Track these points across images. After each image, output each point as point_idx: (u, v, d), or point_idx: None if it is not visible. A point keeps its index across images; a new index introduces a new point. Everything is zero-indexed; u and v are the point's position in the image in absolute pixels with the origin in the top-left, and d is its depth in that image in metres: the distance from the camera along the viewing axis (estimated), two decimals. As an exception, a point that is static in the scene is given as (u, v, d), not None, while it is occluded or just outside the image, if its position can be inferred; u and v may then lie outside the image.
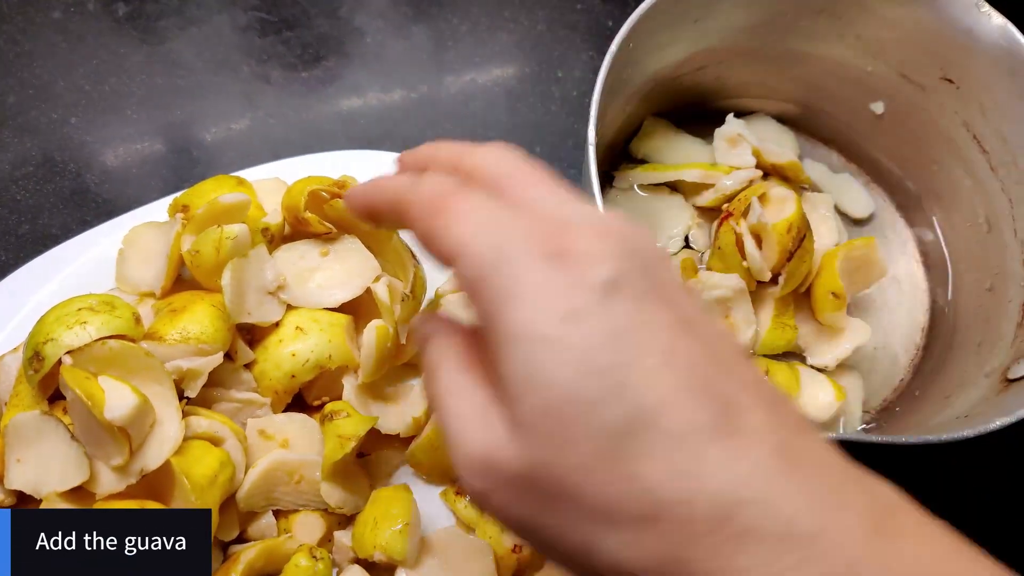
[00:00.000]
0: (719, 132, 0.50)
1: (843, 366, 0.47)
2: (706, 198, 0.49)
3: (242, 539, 0.40)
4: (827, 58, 0.49)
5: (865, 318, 0.49)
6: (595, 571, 0.20)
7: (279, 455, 0.40)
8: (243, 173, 0.47)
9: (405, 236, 0.44)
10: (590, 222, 0.21)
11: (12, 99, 0.52)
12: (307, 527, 0.41)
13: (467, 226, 0.20)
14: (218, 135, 0.52)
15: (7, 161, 0.50)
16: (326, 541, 0.41)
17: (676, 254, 0.48)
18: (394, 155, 0.48)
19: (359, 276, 0.43)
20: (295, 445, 0.41)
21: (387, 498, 0.40)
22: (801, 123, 0.54)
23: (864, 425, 0.46)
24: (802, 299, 0.48)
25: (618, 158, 0.52)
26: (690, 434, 0.18)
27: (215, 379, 0.41)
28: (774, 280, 0.46)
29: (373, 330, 0.40)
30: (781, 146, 0.52)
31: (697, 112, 0.53)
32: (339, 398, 0.43)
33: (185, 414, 0.38)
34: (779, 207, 0.46)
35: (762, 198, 0.45)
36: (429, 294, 0.44)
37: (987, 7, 0.43)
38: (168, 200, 0.46)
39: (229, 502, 0.39)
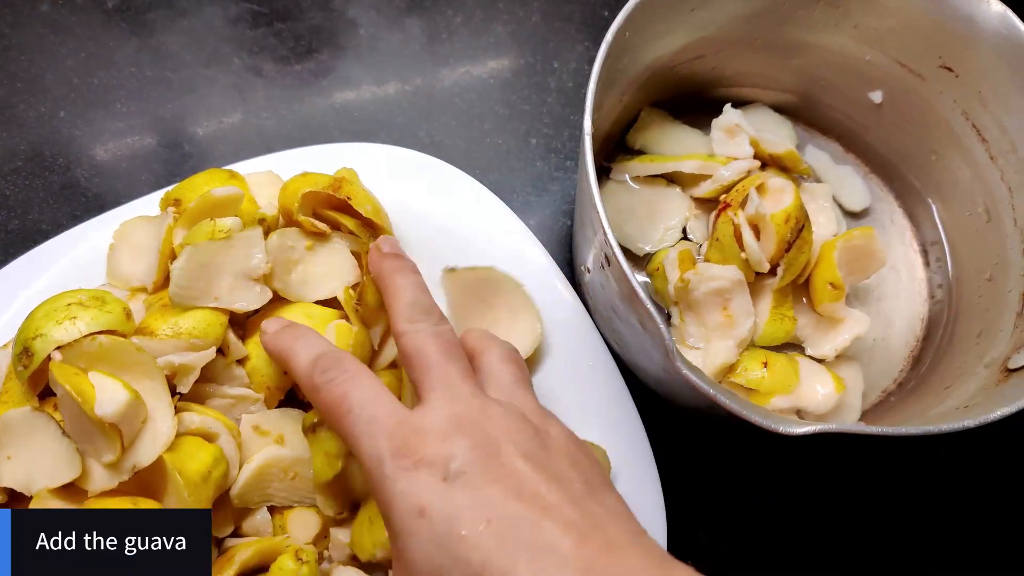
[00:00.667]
0: (716, 122, 0.50)
1: (842, 357, 0.46)
2: (704, 189, 0.48)
3: (236, 535, 0.39)
4: (825, 47, 0.49)
5: (864, 308, 0.49)
6: None
7: (274, 451, 0.39)
8: (236, 166, 0.46)
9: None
10: (439, 426, 0.30)
11: (0, 93, 0.51)
12: (302, 524, 0.40)
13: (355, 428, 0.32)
14: (209, 128, 0.52)
15: (-5, 155, 0.49)
16: (322, 538, 0.40)
17: (674, 246, 0.48)
18: (389, 147, 0.48)
19: (337, 278, 0.42)
20: (290, 441, 0.40)
21: None
22: (799, 112, 0.54)
23: (862, 416, 0.46)
24: (800, 290, 0.47)
25: (615, 149, 0.52)
26: None
27: (207, 375, 0.40)
28: (772, 271, 0.45)
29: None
30: (779, 136, 0.51)
31: (694, 102, 0.52)
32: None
33: (177, 410, 0.38)
34: (777, 197, 0.46)
35: (760, 188, 0.45)
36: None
37: (987, -5, 0.43)
38: (159, 194, 0.45)
39: (223, 498, 0.39)
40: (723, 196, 0.47)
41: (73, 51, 0.52)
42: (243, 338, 0.42)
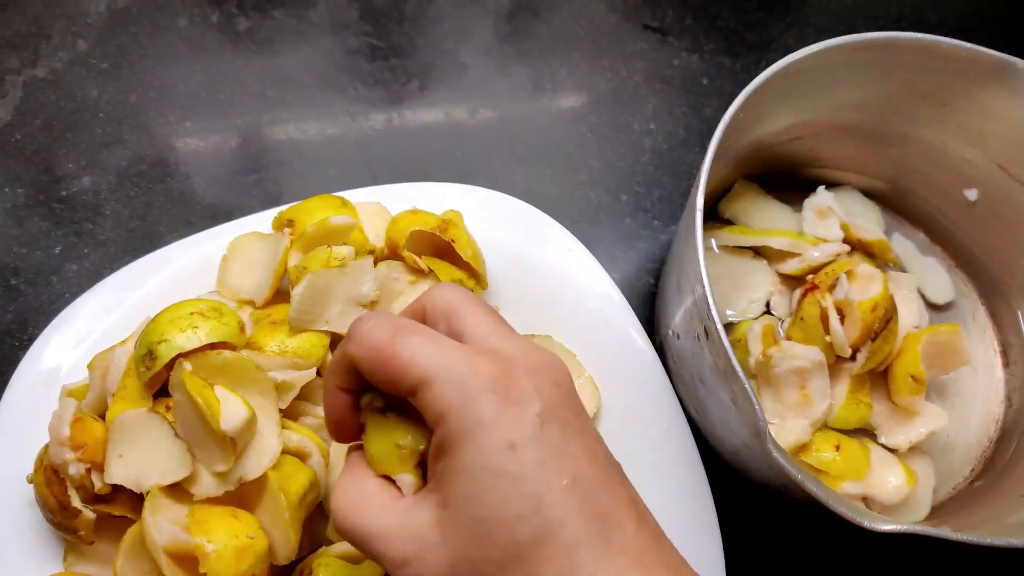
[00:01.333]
0: (809, 203, 0.51)
1: (914, 449, 0.47)
2: (791, 266, 0.49)
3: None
4: (926, 141, 0.50)
5: (938, 402, 0.50)
6: None
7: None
8: (344, 194, 0.49)
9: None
10: (524, 358, 0.27)
11: (134, 98, 0.54)
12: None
13: (428, 360, 0.26)
14: (320, 152, 0.54)
15: (124, 157, 0.52)
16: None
17: (757, 318, 0.49)
18: (490, 191, 0.50)
19: None
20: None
21: None
22: (888, 199, 0.55)
23: (930, 511, 0.46)
24: (879, 377, 0.48)
25: (704, 216, 0.53)
26: (576, 546, 0.25)
27: (303, 393, 0.42)
28: (853, 356, 0.46)
29: None
30: (867, 221, 0.52)
31: (786, 178, 0.54)
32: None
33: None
34: (865, 285, 0.47)
35: (849, 274, 0.46)
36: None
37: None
38: (272, 212, 0.48)
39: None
40: (810, 276, 0.48)
41: (204, 66, 0.56)
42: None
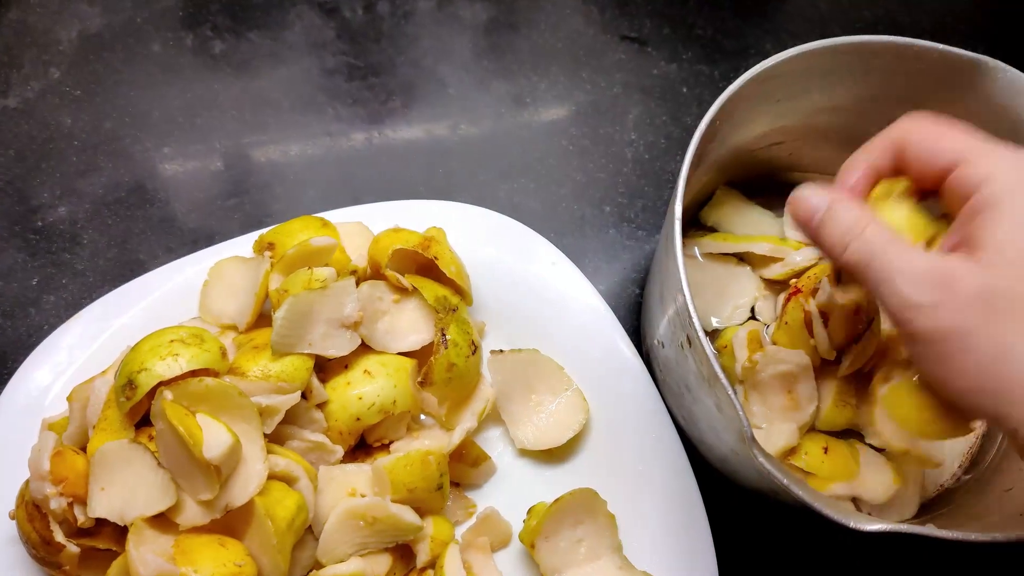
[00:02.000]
0: (790, 207, 0.51)
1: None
2: (774, 271, 0.49)
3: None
4: (902, 143, 0.50)
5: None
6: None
7: (351, 502, 0.40)
8: (326, 215, 0.49)
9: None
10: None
11: (108, 125, 0.54)
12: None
13: (967, 142, 0.32)
14: (300, 174, 0.54)
15: (100, 185, 0.52)
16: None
17: (742, 324, 0.49)
18: (473, 207, 0.50)
19: (421, 332, 0.44)
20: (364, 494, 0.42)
21: None
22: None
23: (919, 509, 0.46)
24: (865, 377, 0.48)
25: (688, 224, 0.53)
26: None
27: (288, 417, 0.42)
28: (838, 358, 0.46)
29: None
30: (850, 224, 0.52)
31: (768, 183, 0.54)
32: (399, 440, 0.44)
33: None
34: (847, 287, 0.47)
35: (830, 277, 0.46)
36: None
37: (1068, 108, 0.44)
38: (252, 236, 0.47)
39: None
40: (794, 280, 0.48)
41: (180, 91, 0.55)
42: (324, 381, 0.43)
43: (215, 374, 0.39)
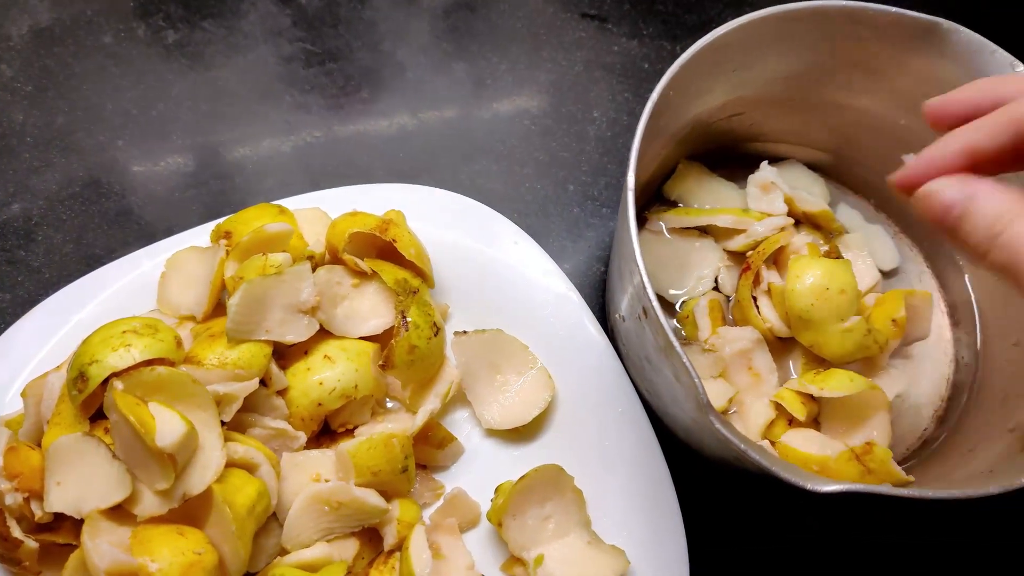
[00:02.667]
0: (752, 178, 0.51)
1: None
2: (737, 243, 0.49)
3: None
4: (861, 109, 0.50)
5: (891, 365, 0.50)
6: None
7: (315, 487, 0.40)
8: (284, 202, 0.48)
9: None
10: None
11: (61, 120, 0.53)
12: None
13: None
14: (259, 163, 0.54)
15: (54, 181, 0.51)
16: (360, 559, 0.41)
17: (704, 294, 0.49)
18: (433, 189, 0.50)
19: (381, 316, 0.44)
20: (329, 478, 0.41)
21: None
22: (833, 170, 0.55)
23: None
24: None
25: (652, 199, 0.53)
26: None
27: (248, 404, 0.41)
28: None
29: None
30: (812, 194, 0.52)
31: (731, 155, 0.54)
32: (364, 425, 0.44)
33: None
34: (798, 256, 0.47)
35: (782, 250, 0.46)
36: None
37: (1022, 67, 0.44)
38: (210, 226, 0.47)
39: (259, 529, 0.39)
40: (750, 253, 0.48)
41: (133, 83, 0.55)
42: (284, 368, 0.43)
43: (170, 364, 0.39)
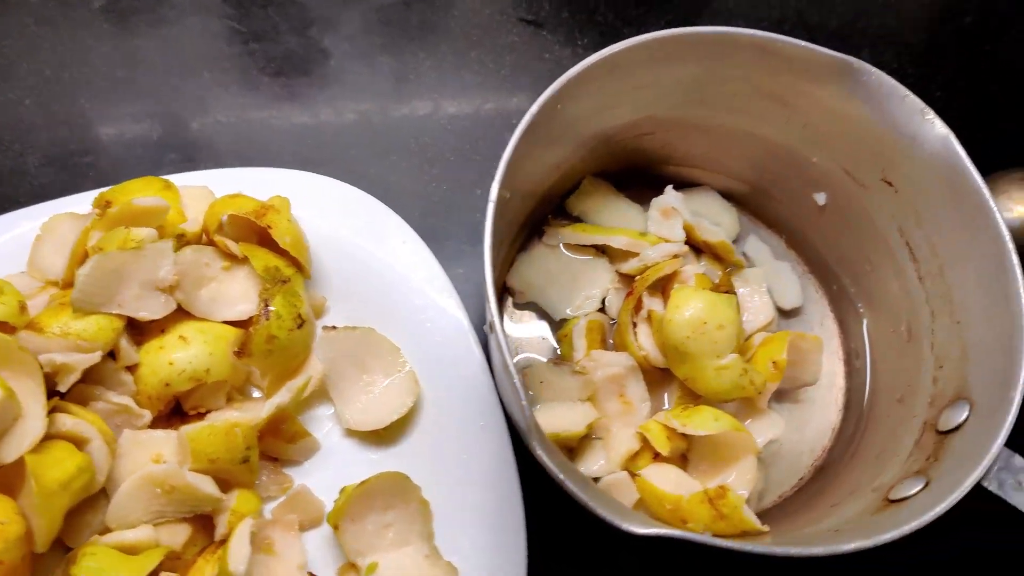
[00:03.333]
0: (655, 202, 0.50)
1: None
2: (630, 266, 0.48)
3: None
4: (773, 142, 0.49)
5: (778, 409, 0.48)
6: None
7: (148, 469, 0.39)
8: (173, 177, 0.47)
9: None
10: None
11: (-27, 74, 0.53)
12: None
13: None
14: (165, 136, 0.53)
15: (-46, 133, 0.51)
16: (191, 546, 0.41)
17: (587, 315, 0.47)
18: (326, 179, 0.49)
19: (250, 302, 0.43)
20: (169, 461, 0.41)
21: None
22: (747, 202, 0.54)
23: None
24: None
25: (553, 212, 0.52)
26: None
27: (95, 377, 0.41)
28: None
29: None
30: (718, 224, 0.51)
31: (643, 176, 0.53)
32: (218, 410, 0.43)
33: (55, 409, 0.38)
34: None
35: (672, 276, 0.45)
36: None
37: (932, 115, 0.43)
38: (94, 193, 0.46)
39: (84, 504, 0.39)
40: (637, 278, 0.47)
41: (52, 44, 0.54)
42: (139, 344, 0.42)
43: (11, 329, 0.38)
